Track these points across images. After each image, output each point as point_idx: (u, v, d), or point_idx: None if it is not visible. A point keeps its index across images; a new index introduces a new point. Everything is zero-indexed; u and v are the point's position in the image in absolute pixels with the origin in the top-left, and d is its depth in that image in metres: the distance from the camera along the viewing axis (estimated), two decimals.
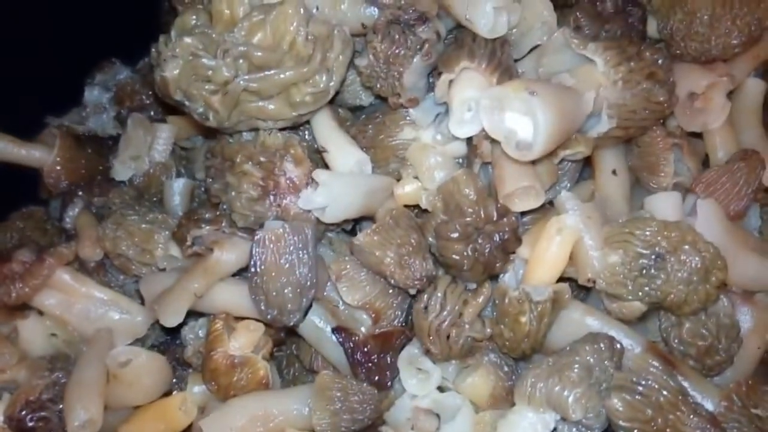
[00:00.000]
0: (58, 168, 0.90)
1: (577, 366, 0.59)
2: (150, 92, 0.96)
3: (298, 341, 0.78)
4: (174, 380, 0.78)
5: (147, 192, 0.88)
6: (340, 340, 0.70)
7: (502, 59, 0.65)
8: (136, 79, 0.99)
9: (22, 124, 0.91)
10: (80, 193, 0.90)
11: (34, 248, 0.81)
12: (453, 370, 0.70)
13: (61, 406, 0.73)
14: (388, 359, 0.69)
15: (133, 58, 1.01)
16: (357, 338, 0.69)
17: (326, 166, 0.72)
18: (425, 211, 0.70)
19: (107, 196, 0.87)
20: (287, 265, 0.65)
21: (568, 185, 0.71)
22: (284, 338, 0.77)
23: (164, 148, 0.90)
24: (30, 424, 0.74)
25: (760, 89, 0.77)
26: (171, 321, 0.68)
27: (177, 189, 0.85)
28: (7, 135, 0.89)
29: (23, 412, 0.74)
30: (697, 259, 0.59)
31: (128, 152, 0.89)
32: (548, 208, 0.70)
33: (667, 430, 0.55)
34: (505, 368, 0.68)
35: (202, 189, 0.86)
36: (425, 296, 0.67)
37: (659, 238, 0.60)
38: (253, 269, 0.65)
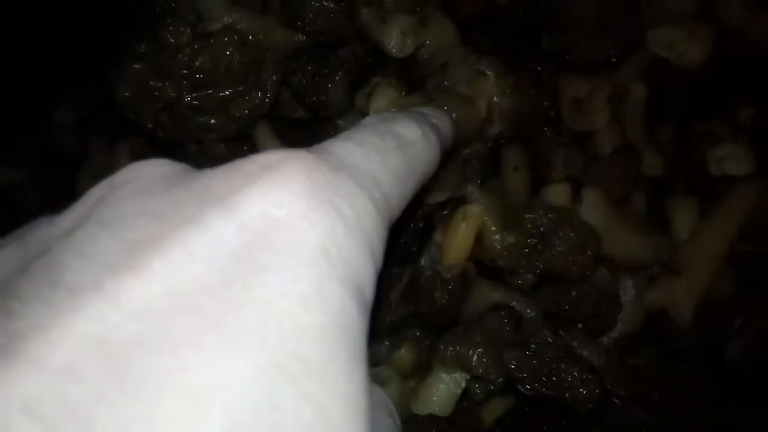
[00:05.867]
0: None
1: (481, 330, 0.70)
2: (111, 115, 1.07)
3: None
4: None
5: None
6: None
7: (409, 74, 0.76)
8: (99, 104, 1.09)
9: None
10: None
11: None
12: (385, 349, 0.80)
13: None
14: None
15: (97, 85, 1.11)
16: None
17: None
18: None
19: None
20: None
21: (479, 182, 0.82)
22: None
23: (125, 163, 0.99)
24: None
25: (642, 93, 0.87)
26: None
27: None
28: None
29: None
30: (572, 235, 0.69)
31: (94, 168, 0.99)
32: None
33: (553, 377, 0.66)
34: (427, 341, 0.77)
35: None
36: None
37: (543, 219, 0.71)
38: None
